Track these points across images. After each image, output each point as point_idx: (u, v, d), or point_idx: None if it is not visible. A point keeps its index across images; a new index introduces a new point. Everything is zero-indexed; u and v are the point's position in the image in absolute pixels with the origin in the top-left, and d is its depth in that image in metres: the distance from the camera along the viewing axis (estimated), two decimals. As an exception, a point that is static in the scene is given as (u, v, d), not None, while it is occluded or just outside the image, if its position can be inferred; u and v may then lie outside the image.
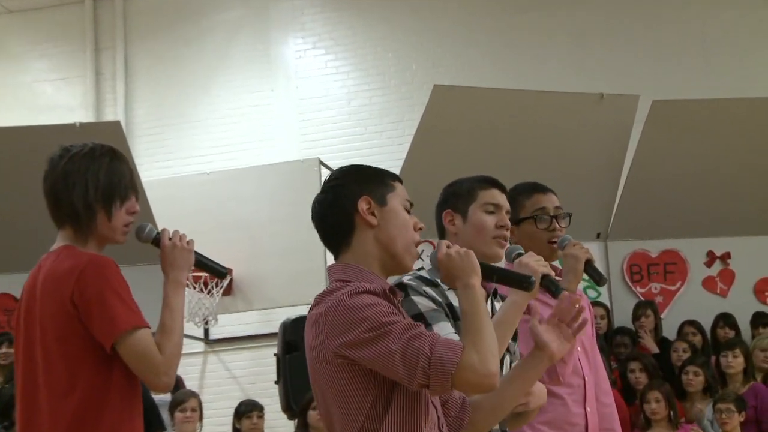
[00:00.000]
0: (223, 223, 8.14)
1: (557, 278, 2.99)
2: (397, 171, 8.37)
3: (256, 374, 9.54)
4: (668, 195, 8.40)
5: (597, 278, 3.30)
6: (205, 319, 8.24)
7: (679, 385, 6.97)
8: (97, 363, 2.62)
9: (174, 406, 6.61)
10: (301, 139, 10.46)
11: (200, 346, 10.00)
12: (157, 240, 2.86)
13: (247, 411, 6.95)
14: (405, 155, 7.78)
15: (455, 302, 2.74)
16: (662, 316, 8.25)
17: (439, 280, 2.70)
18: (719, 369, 7.06)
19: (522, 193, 3.40)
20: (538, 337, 2.47)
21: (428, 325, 2.64)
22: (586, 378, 3.40)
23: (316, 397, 2.32)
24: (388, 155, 9.75)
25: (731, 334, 7.79)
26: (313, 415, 6.57)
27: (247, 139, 10.51)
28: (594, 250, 8.84)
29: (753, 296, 8.51)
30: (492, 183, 3.00)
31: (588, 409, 3.39)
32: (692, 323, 7.92)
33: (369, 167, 2.46)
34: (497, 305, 2.90)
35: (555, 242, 3.37)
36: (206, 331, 9.89)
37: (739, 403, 6.45)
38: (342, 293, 2.21)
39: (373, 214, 2.34)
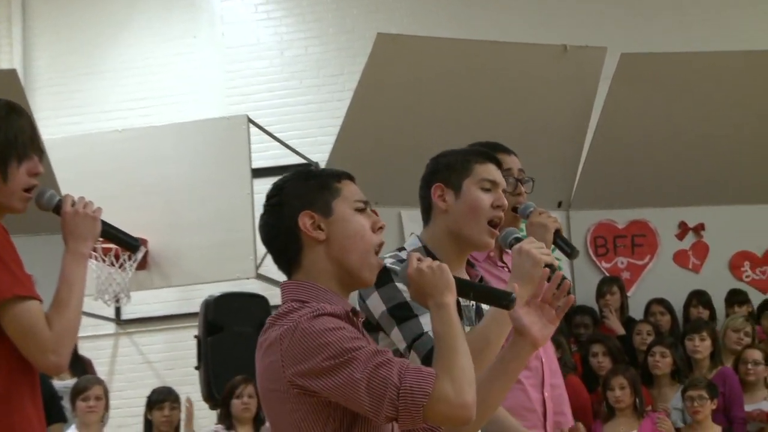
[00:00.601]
0: (137, 187, 8.04)
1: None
2: (335, 130, 8.36)
3: (174, 359, 9.49)
4: (637, 159, 8.48)
5: (568, 251, 3.32)
6: (116, 296, 8.15)
7: (645, 370, 7.07)
8: None
9: (76, 394, 6.50)
10: (227, 93, 10.35)
11: (111, 328, 9.93)
12: (58, 207, 2.81)
13: (160, 400, 6.87)
14: (345, 112, 7.72)
15: None
16: (629, 293, 8.34)
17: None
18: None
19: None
20: (518, 321, 2.47)
21: (414, 316, 2.66)
22: (543, 359, 3.44)
23: (271, 427, 2.31)
24: (326, 113, 9.73)
25: (705, 314, 7.90)
26: (237, 405, 6.55)
27: (165, 93, 10.37)
28: (555, 220, 8.94)
29: (728, 272, 8.65)
30: (490, 157, 3.00)
31: (546, 395, 3.44)
32: (660, 302, 8.01)
33: (309, 173, 2.43)
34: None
35: (517, 209, 3.38)
36: (117, 311, 9.81)
37: (711, 389, 6.57)
38: (299, 315, 2.20)
39: (319, 227, 2.33)
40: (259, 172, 8.22)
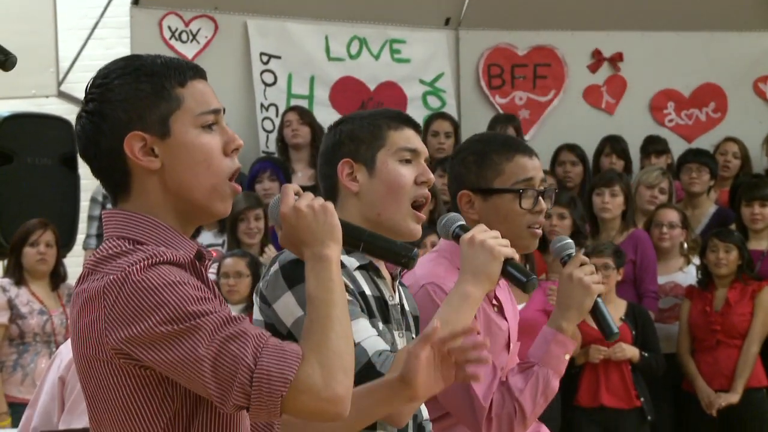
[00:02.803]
0: None
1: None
2: None
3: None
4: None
5: (607, 331, 3.07)
6: None
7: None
8: None
9: None
10: None
11: None
12: None
13: None
14: None
15: (368, 289, 2.74)
16: (527, 136, 8.44)
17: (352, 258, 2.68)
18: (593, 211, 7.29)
19: (498, 152, 3.24)
20: (409, 365, 2.32)
21: None
22: (510, 322, 3.36)
23: (87, 410, 2.22)
24: None
25: (619, 164, 8.00)
26: (30, 254, 6.52)
27: None
28: (441, 41, 8.90)
29: (648, 114, 8.85)
30: (405, 120, 2.91)
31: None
32: (571, 149, 8.11)
33: (141, 67, 2.21)
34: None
35: (536, 228, 3.23)
36: None
37: (618, 257, 6.70)
38: (129, 263, 2.08)
39: (152, 152, 2.19)
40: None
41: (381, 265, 2.83)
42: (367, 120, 2.89)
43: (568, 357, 3.07)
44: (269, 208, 2.42)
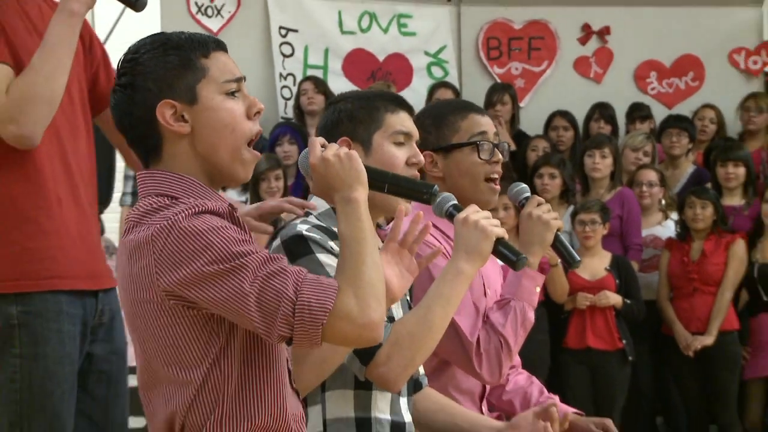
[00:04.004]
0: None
1: None
2: None
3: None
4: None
5: (569, 260, 3.09)
6: None
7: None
8: None
9: None
10: None
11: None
12: None
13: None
14: None
15: None
16: (522, 104, 8.43)
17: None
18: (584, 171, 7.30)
19: (453, 112, 3.24)
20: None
21: None
22: (490, 274, 3.33)
23: (135, 350, 2.21)
24: None
25: (607, 129, 8.02)
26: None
27: None
28: (444, 16, 8.88)
29: (633, 83, 8.81)
30: (400, 103, 2.87)
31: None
32: (564, 115, 8.09)
33: (168, 41, 2.23)
34: None
35: (493, 179, 3.21)
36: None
37: (604, 213, 6.71)
38: (175, 213, 2.09)
39: (182, 118, 2.20)
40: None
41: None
42: (366, 101, 2.84)
43: (538, 289, 3.04)
44: (299, 161, 2.41)
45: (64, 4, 2.72)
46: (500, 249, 2.71)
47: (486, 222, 2.68)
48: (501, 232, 2.70)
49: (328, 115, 2.88)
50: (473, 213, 2.71)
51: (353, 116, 2.80)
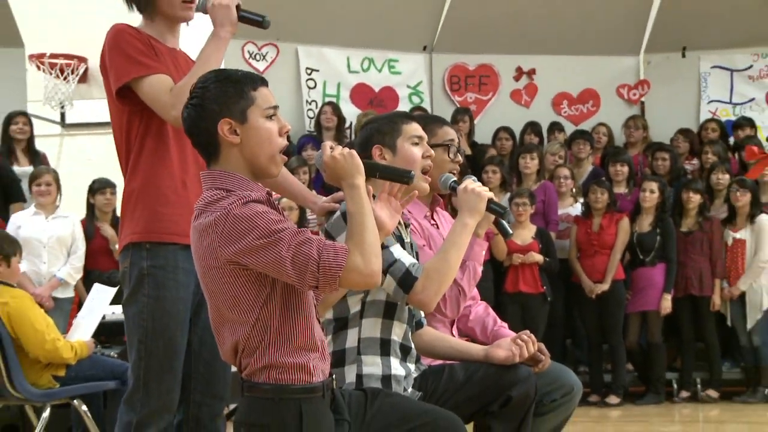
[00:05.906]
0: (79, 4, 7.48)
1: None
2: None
3: (112, 159, 9.17)
4: (488, 12, 8.36)
5: (501, 211, 2.79)
6: (61, 103, 7.82)
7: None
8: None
9: (31, 180, 6.34)
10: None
11: (57, 129, 9.55)
12: (204, 6, 2.77)
13: (101, 187, 6.77)
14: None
15: (396, 232, 2.64)
16: (476, 121, 8.41)
17: None
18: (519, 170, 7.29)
19: (434, 123, 3.13)
20: (376, 215, 2.26)
21: (385, 248, 2.49)
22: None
23: (209, 305, 2.20)
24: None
25: (536, 140, 8.01)
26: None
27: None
28: (421, 60, 8.87)
29: (551, 108, 8.77)
30: (411, 117, 2.88)
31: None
32: (506, 130, 8.07)
33: (228, 77, 2.20)
34: (405, 233, 2.76)
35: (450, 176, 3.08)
36: (62, 115, 9.42)
37: (531, 197, 6.76)
38: (229, 203, 2.09)
39: (235, 132, 2.16)
40: None
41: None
42: (388, 119, 2.86)
43: (484, 252, 2.91)
44: (315, 159, 2.35)
45: (215, 31, 2.72)
46: (491, 206, 2.67)
47: (480, 188, 2.65)
48: (491, 194, 2.67)
49: (363, 133, 2.85)
50: (470, 183, 2.68)
51: (380, 130, 2.80)
